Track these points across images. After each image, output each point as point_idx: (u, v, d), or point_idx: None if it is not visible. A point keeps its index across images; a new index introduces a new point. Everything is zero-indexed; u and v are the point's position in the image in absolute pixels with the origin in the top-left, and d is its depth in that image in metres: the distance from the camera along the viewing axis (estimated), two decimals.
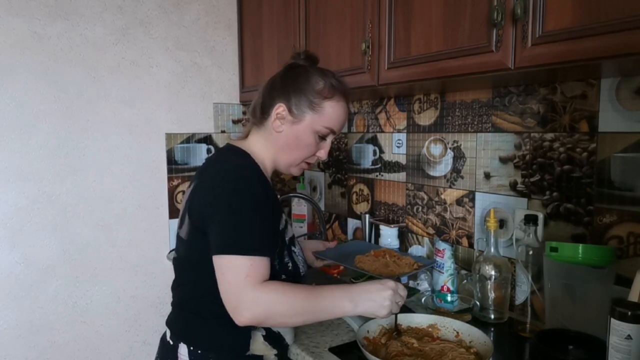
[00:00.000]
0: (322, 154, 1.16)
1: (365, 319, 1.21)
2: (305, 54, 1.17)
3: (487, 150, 1.50)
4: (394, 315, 1.11)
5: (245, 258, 0.95)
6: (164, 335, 1.16)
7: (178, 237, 1.13)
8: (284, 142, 1.12)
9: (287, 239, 1.12)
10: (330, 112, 1.10)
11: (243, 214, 0.98)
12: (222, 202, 0.99)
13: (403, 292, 1.05)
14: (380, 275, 1.28)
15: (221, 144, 2.26)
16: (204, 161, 1.24)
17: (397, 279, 1.08)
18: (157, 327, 2.12)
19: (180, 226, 1.11)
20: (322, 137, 1.13)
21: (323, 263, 1.43)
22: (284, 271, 1.08)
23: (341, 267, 1.77)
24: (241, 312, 0.94)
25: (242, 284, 0.94)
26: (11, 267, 1.85)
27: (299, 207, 2.28)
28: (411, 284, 1.62)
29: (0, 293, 1.84)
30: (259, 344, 1.08)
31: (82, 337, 2.00)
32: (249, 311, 0.93)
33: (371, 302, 1.00)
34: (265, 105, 1.13)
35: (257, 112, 1.15)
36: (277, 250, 1.07)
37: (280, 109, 1.10)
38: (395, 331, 1.15)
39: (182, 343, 1.08)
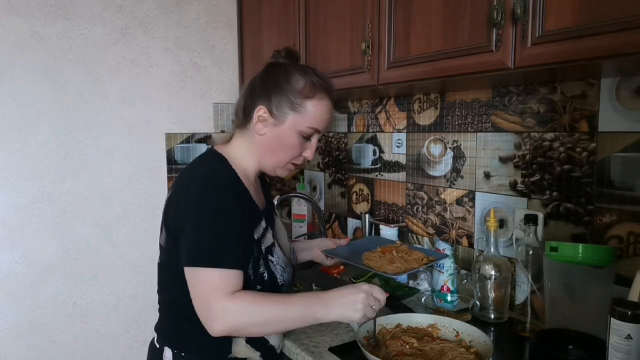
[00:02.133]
0: (309, 154, 1.12)
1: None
2: (286, 51, 1.14)
3: (487, 150, 1.50)
4: (376, 321, 1.09)
5: (215, 271, 0.95)
6: (153, 339, 1.16)
7: (160, 244, 1.12)
8: (267, 144, 1.09)
9: (264, 248, 1.09)
10: (313, 112, 1.07)
11: (212, 225, 0.97)
12: (190, 213, 0.98)
13: (379, 295, 1.01)
14: (385, 273, 1.23)
15: None
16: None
17: (376, 282, 1.05)
18: None
19: (160, 233, 1.11)
20: (307, 138, 1.10)
21: (333, 262, 1.38)
22: (259, 282, 1.06)
23: (341, 267, 1.78)
24: (212, 324, 0.94)
25: (211, 296, 0.94)
26: (11, 267, 1.85)
27: (299, 207, 2.28)
28: (411, 284, 1.62)
29: (0, 293, 1.84)
30: (241, 347, 1.08)
31: (82, 337, 2.00)
32: (220, 323, 0.94)
33: (343, 306, 0.98)
34: (247, 107, 1.11)
35: (239, 115, 1.13)
36: (252, 260, 1.05)
37: (261, 111, 1.07)
38: (373, 339, 1.09)
39: (167, 347, 1.09)
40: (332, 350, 1.18)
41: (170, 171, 2.15)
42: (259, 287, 1.06)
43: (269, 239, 1.11)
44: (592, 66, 1.02)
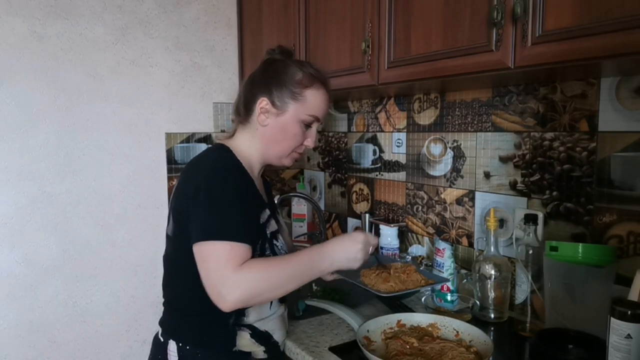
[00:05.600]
0: (310, 142, 1.17)
1: (365, 318, 1.21)
2: (280, 49, 1.20)
3: (487, 149, 1.50)
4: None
5: (225, 243, 0.96)
6: (157, 333, 1.17)
7: (166, 234, 1.15)
8: (270, 135, 1.14)
9: (268, 232, 1.13)
10: (312, 100, 1.13)
11: (221, 202, 0.99)
12: (200, 192, 1.00)
13: (374, 241, 1.12)
14: (378, 291, 1.20)
15: None
16: None
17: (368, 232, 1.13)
18: (157, 326, 2.10)
19: (167, 224, 1.13)
20: (308, 125, 1.15)
21: (333, 277, 1.30)
22: None
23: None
24: (225, 297, 0.93)
25: (223, 268, 0.94)
26: (11, 267, 1.85)
27: (299, 207, 2.28)
28: None
29: (0, 293, 1.84)
30: (245, 341, 1.09)
31: (82, 336, 2.00)
32: (233, 294, 0.93)
33: (345, 257, 1.06)
34: (247, 102, 1.16)
35: (240, 110, 1.18)
36: (259, 243, 1.08)
37: (263, 102, 1.12)
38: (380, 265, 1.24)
39: (171, 340, 1.10)
40: (332, 349, 1.18)
41: (170, 170, 2.15)
42: None
43: (273, 225, 1.15)
44: (591, 66, 1.02)
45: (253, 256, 1.03)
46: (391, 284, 1.22)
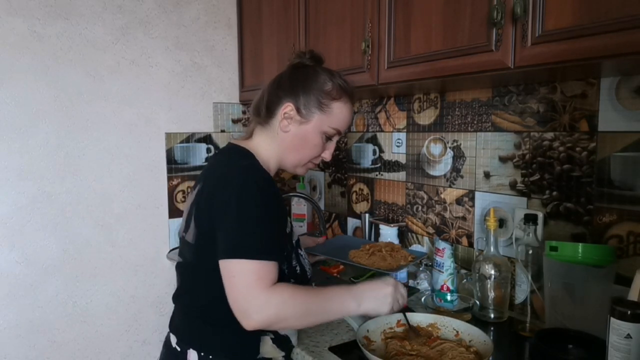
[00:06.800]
0: (327, 154, 1.15)
1: (365, 318, 1.21)
2: (311, 54, 1.15)
3: (487, 149, 1.50)
4: (403, 316, 1.17)
5: (255, 262, 0.94)
6: (168, 341, 1.13)
7: (183, 240, 1.09)
8: (290, 142, 1.10)
9: (294, 241, 1.11)
10: (338, 113, 1.10)
11: (251, 218, 0.96)
12: (230, 207, 0.97)
13: (403, 290, 1.10)
14: (379, 269, 1.29)
15: (221, 144, 2.26)
16: (205, 161, 1.23)
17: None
18: (157, 326, 2.12)
19: (185, 230, 1.09)
20: (329, 138, 1.13)
21: (315, 259, 1.44)
22: (292, 275, 1.07)
23: (341, 267, 1.78)
24: (250, 316, 0.93)
25: (253, 287, 0.92)
26: (11, 267, 1.85)
27: (299, 207, 2.28)
28: (411, 283, 1.62)
29: (0, 293, 1.84)
30: (268, 347, 1.07)
31: (82, 336, 2.00)
32: (259, 314, 0.92)
33: (374, 299, 1.04)
34: (271, 104, 1.11)
35: (261, 111, 1.13)
36: (286, 255, 1.05)
37: (288, 108, 1.08)
38: (411, 330, 1.16)
39: (191, 349, 1.06)
40: (332, 349, 1.18)
41: (170, 170, 2.15)
42: (292, 281, 1.07)
43: (295, 234, 1.14)
44: (591, 66, 1.02)
45: (281, 269, 1.01)
46: (389, 262, 1.28)
